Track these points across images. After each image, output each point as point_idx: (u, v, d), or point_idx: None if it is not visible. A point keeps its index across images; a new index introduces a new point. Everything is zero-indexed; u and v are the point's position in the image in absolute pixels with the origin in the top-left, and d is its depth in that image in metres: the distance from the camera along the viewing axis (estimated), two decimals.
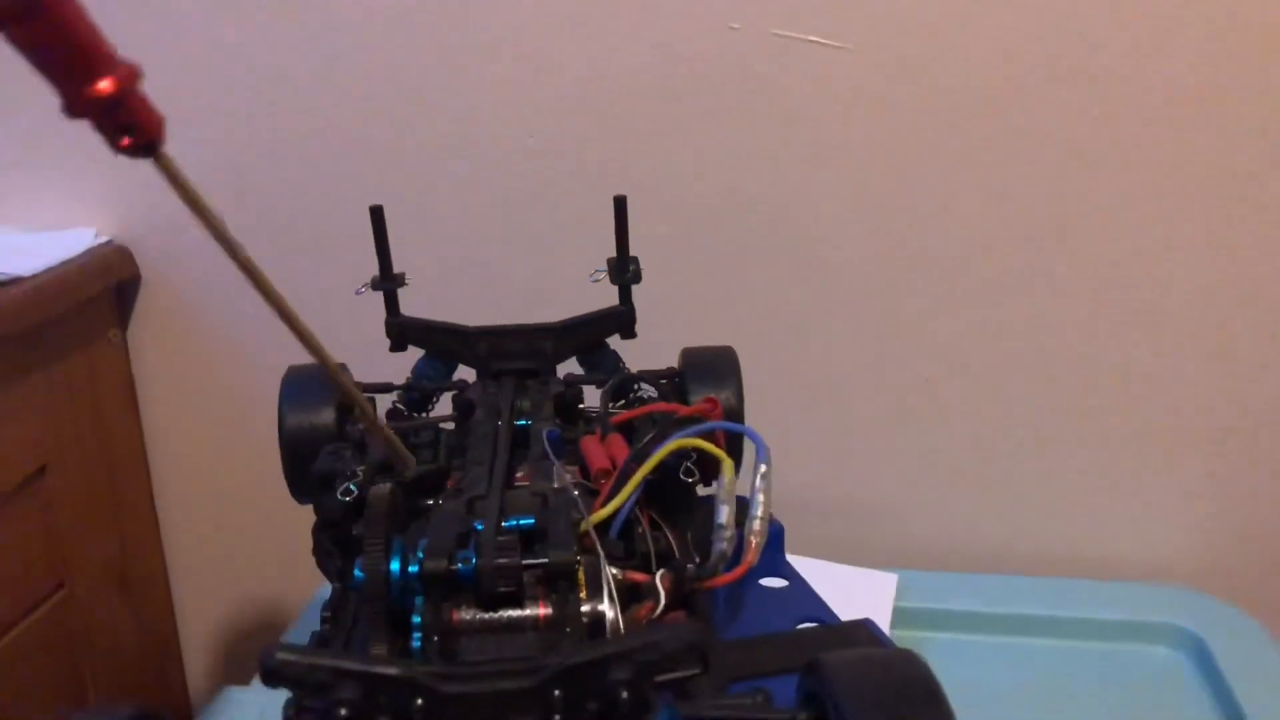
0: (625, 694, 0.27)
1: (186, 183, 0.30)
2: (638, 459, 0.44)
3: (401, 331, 0.59)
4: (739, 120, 0.81)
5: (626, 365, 0.60)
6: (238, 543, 1.01)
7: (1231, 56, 0.75)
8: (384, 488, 0.38)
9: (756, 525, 0.43)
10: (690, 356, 0.58)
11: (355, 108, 0.85)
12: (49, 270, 0.83)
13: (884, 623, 0.79)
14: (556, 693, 0.28)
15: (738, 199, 0.83)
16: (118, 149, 0.28)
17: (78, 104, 0.26)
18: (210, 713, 0.76)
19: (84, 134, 0.95)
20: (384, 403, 0.59)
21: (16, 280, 0.80)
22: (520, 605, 0.37)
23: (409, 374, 0.61)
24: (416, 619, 0.36)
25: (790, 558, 0.71)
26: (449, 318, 0.60)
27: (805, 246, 0.84)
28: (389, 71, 0.84)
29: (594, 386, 0.57)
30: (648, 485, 0.46)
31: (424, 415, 0.59)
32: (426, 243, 0.86)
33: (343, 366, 0.60)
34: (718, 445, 0.46)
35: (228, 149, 0.87)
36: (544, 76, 0.82)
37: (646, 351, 0.60)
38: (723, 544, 0.42)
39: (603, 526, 0.43)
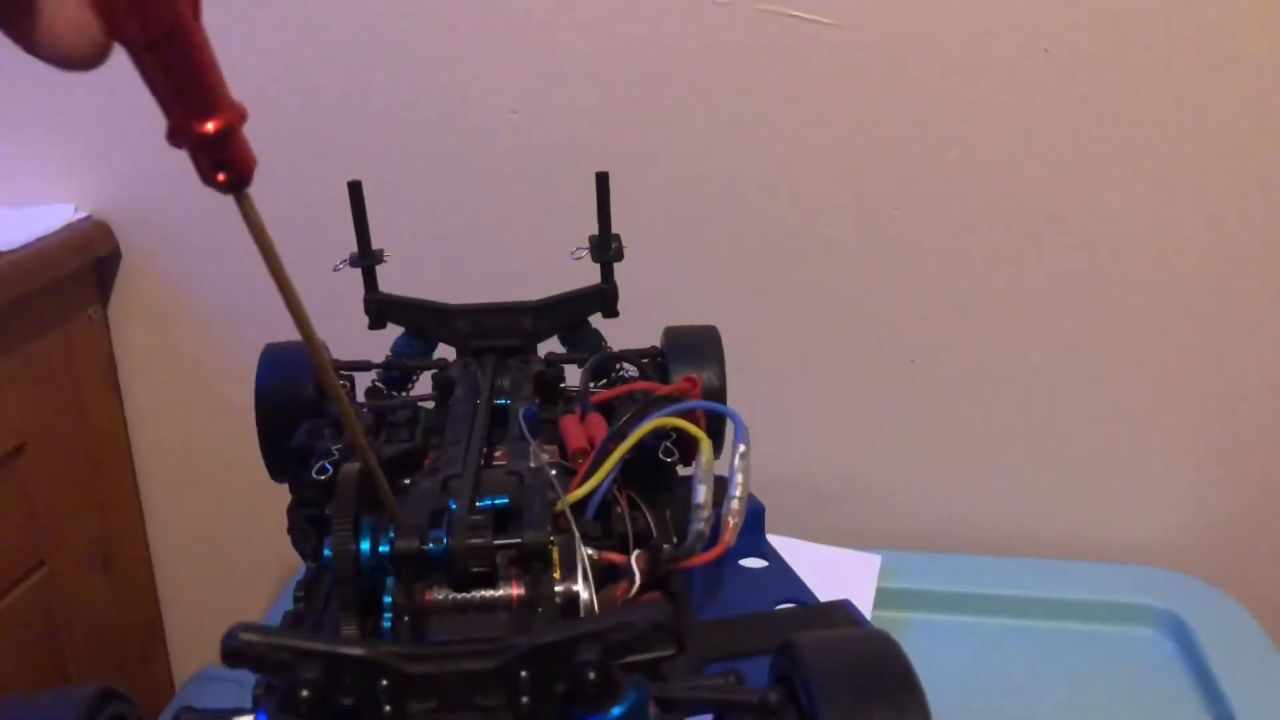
0: (592, 675, 0.27)
1: (261, 224, 0.31)
2: (615, 438, 0.44)
3: (380, 309, 0.59)
4: (725, 97, 0.80)
5: (609, 345, 0.60)
6: (222, 521, 1.00)
7: (1218, 30, 0.75)
8: (354, 466, 0.37)
9: (734, 505, 0.42)
10: (673, 336, 0.58)
11: (335, 81, 0.84)
12: (27, 245, 0.82)
13: (867, 604, 0.78)
14: (523, 673, 0.27)
15: (724, 176, 0.83)
16: (209, 182, 0.29)
17: (184, 135, 0.27)
18: (190, 691, 0.76)
19: (63, 110, 0.94)
20: (363, 381, 0.58)
21: None
22: (493, 585, 0.37)
23: (388, 352, 0.60)
24: (388, 599, 0.35)
25: (773, 539, 0.71)
26: (429, 295, 0.60)
27: (791, 225, 0.83)
28: (370, 45, 0.83)
29: (576, 366, 0.57)
30: (627, 465, 0.46)
31: (403, 394, 0.58)
32: (407, 219, 0.85)
33: (323, 345, 0.59)
34: (697, 425, 0.45)
35: None
36: (528, 51, 0.81)
37: (632, 331, 0.59)
38: (700, 524, 0.42)
39: (579, 507, 0.42)
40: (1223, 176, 0.78)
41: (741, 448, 0.43)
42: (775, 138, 0.81)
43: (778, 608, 0.46)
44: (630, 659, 0.37)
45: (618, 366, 0.57)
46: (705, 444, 0.43)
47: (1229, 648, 0.73)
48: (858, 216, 0.82)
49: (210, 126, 0.27)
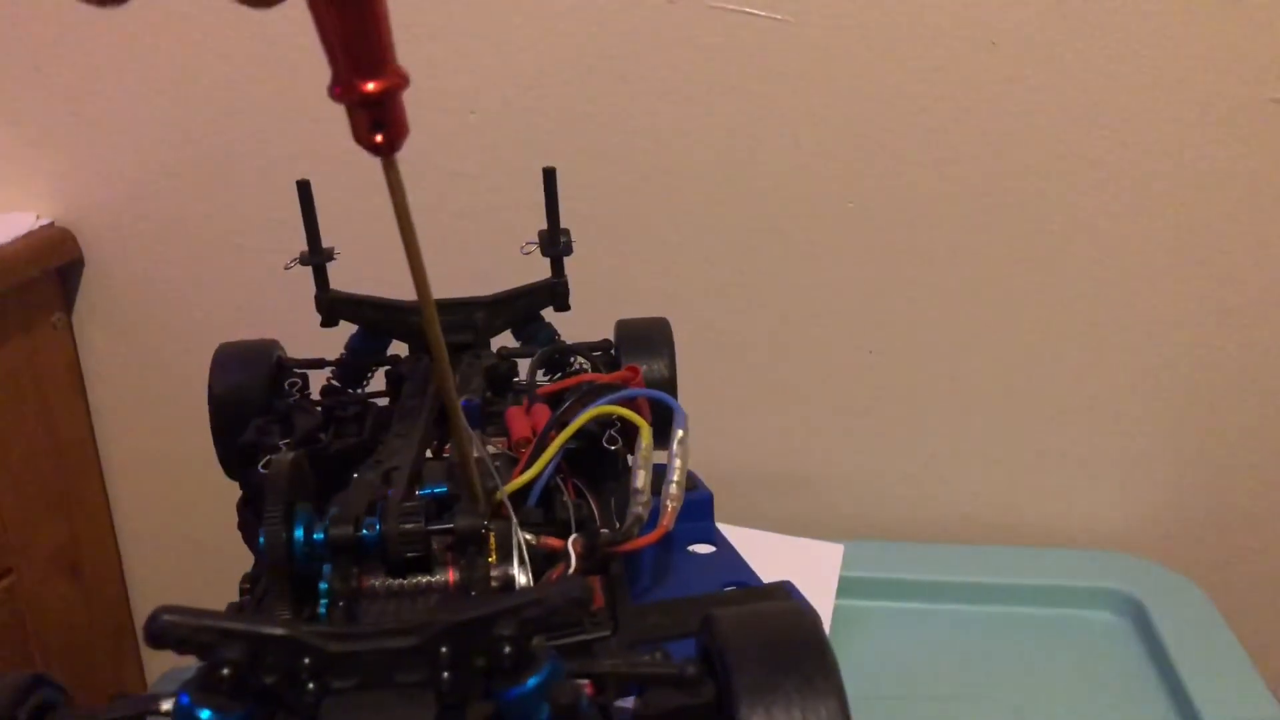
0: (507, 649, 0.27)
1: (403, 190, 0.32)
2: (557, 427, 0.44)
3: (331, 306, 0.59)
4: (678, 94, 0.81)
5: (563, 338, 0.60)
6: (192, 526, 1.00)
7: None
8: (285, 456, 0.38)
9: (672, 490, 0.43)
10: (624, 328, 0.58)
11: (288, 80, 0.85)
12: None
13: (830, 592, 0.79)
14: (443, 650, 0.28)
15: (679, 171, 0.83)
16: (365, 141, 0.29)
17: (349, 91, 0.28)
18: (160, 689, 0.76)
19: (25, 120, 0.94)
20: (317, 379, 0.59)
21: None
22: (429, 571, 0.37)
23: (343, 350, 0.61)
24: (323, 585, 0.36)
25: (736, 529, 0.72)
26: (383, 293, 0.60)
27: (750, 218, 0.84)
28: (310, 34, 0.83)
29: (529, 360, 0.57)
30: (572, 454, 0.47)
31: (358, 390, 0.59)
32: (360, 217, 0.85)
33: (274, 342, 0.60)
34: (640, 413, 0.46)
35: (164, 121, 0.86)
36: (482, 50, 0.82)
37: (593, 324, 0.60)
38: (638, 508, 0.42)
39: (521, 494, 0.43)
40: (1196, 167, 0.79)
41: (679, 433, 0.44)
42: (730, 133, 0.82)
43: (722, 591, 0.46)
44: (566, 640, 0.38)
45: (571, 360, 0.58)
46: (644, 430, 0.44)
47: (1186, 632, 0.74)
48: (814, 209, 0.83)
49: (374, 86, 0.28)
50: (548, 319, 0.61)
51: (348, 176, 0.84)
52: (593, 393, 0.46)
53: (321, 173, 0.59)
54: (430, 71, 0.83)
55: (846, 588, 0.80)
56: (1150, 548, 0.87)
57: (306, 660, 0.28)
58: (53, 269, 0.89)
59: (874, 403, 0.89)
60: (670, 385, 0.56)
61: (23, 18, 0.85)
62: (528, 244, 0.58)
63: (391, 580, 0.37)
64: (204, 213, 0.88)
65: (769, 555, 0.81)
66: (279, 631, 0.28)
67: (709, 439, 0.88)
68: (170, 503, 1.00)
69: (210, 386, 0.56)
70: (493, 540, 0.38)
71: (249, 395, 0.55)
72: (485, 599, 0.35)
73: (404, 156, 0.87)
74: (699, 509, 0.52)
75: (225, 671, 0.27)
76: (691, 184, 0.84)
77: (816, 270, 0.85)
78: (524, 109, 0.83)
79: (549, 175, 0.57)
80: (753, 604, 0.31)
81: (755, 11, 0.78)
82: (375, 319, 0.60)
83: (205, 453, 0.94)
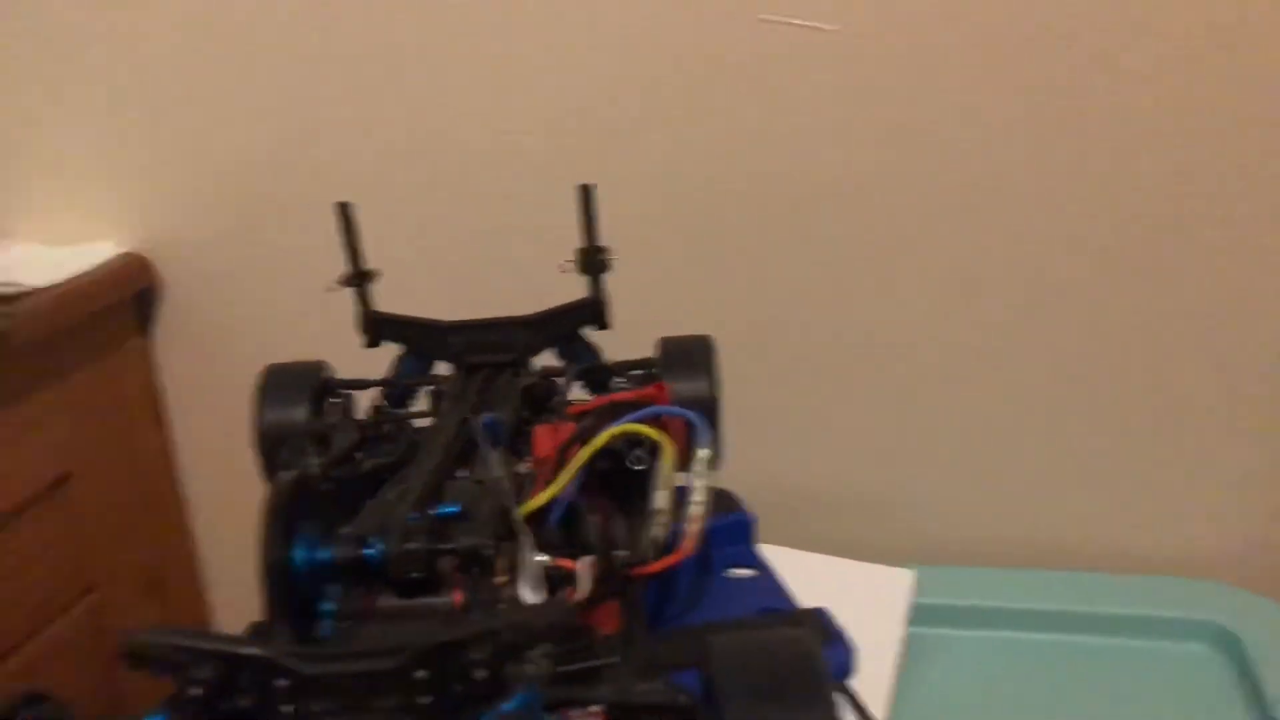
0: (478, 674, 0.26)
1: None
2: (577, 444, 0.43)
3: (374, 326, 0.59)
4: (723, 107, 0.80)
5: (606, 357, 0.59)
6: None
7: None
8: (288, 476, 0.37)
9: (694, 511, 0.41)
10: (666, 346, 0.57)
11: (327, 104, 0.86)
12: (69, 280, 0.85)
13: (899, 619, 0.76)
14: (419, 674, 0.27)
15: (731, 186, 0.82)
16: None
17: None
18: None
19: (102, 152, 0.97)
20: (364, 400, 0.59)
21: (37, 291, 0.82)
22: (436, 592, 0.36)
23: (391, 370, 0.61)
24: (326, 606, 0.35)
25: (797, 554, 0.69)
26: (432, 313, 0.60)
27: (801, 233, 0.82)
28: (362, 67, 0.84)
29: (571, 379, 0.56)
30: (604, 474, 0.45)
31: (401, 410, 0.59)
32: (401, 239, 0.86)
33: (321, 363, 0.60)
34: (667, 432, 0.44)
35: (237, 151, 0.88)
36: (518, 69, 0.82)
37: (638, 343, 0.59)
38: (656, 530, 0.41)
39: (541, 514, 0.42)
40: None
41: (702, 453, 0.42)
42: (774, 143, 0.80)
43: (754, 615, 0.45)
44: (575, 666, 0.36)
45: (612, 379, 0.56)
46: (667, 448, 0.43)
47: None
48: (870, 223, 0.81)
49: None
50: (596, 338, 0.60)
51: (385, 197, 0.86)
52: (614, 411, 0.44)
53: (356, 192, 0.59)
54: (462, 90, 0.83)
55: (921, 615, 0.76)
56: (1246, 575, 0.82)
57: (282, 682, 0.27)
58: (130, 296, 0.92)
59: (948, 421, 0.85)
60: (711, 404, 0.54)
61: (102, 55, 0.88)
62: (565, 261, 0.57)
63: (399, 601, 0.36)
64: (275, 238, 0.90)
65: (835, 581, 0.79)
66: (253, 651, 0.27)
67: (769, 459, 0.86)
68: (250, 521, 1.01)
69: (256, 408, 0.57)
70: (504, 561, 0.37)
71: (292, 416, 0.56)
72: (466, 622, 0.34)
73: (439, 176, 0.88)
74: (738, 532, 0.50)
75: (196, 691, 0.26)
76: (750, 197, 0.82)
77: (879, 283, 0.82)
78: (562, 127, 0.83)
79: (585, 192, 0.56)
80: (754, 632, 0.30)
81: (804, 23, 0.76)
82: (417, 338, 0.59)
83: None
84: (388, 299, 0.60)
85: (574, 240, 0.58)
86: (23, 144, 0.92)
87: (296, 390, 0.57)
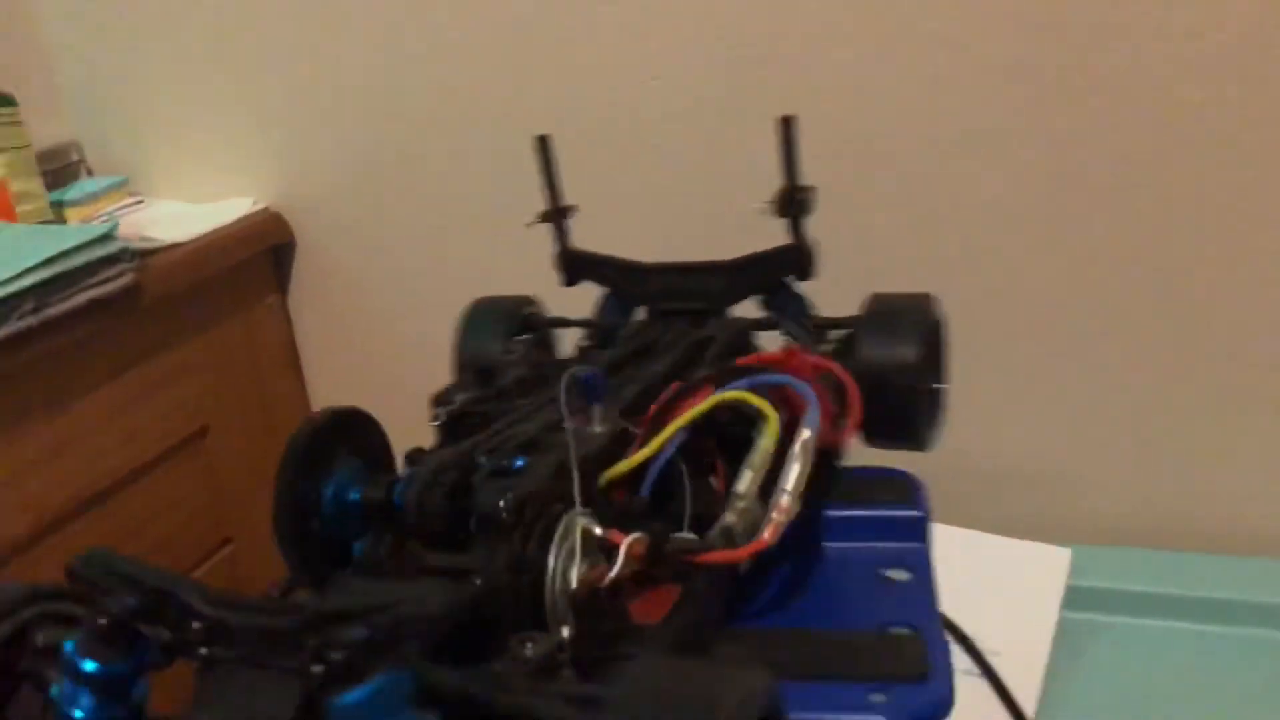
0: (335, 655, 0.24)
1: None
2: (669, 411, 0.39)
3: (572, 264, 0.57)
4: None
5: (815, 309, 0.54)
6: None
7: None
8: (324, 411, 0.36)
9: (784, 501, 0.36)
10: (872, 304, 0.51)
11: (482, 71, 0.84)
12: (204, 236, 0.86)
13: (1053, 602, 0.71)
14: (311, 641, 0.24)
15: (970, 130, 0.77)
16: None
17: None
18: None
19: (240, 111, 0.96)
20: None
21: (172, 246, 0.83)
22: (464, 549, 0.33)
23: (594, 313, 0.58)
24: (357, 549, 0.34)
25: (952, 530, 0.63)
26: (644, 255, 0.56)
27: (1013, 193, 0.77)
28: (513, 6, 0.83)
29: (778, 333, 0.52)
30: (721, 442, 0.41)
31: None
32: (604, 176, 0.83)
33: (526, 299, 0.58)
34: (788, 402, 0.40)
35: (370, 110, 0.88)
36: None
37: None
38: (731, 516, 0.36)
39: (635, 482, 0.38)
40: None
41: (806, 433, 0.37)
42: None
43: (887, 630, 0.40)
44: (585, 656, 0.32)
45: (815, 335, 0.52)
46: (770, 422, 0.38)
47: None
48: (1092, 189, 0.75)
49: None
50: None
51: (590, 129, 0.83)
52: (727, 374, 0.40)
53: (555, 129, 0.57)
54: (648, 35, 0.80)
55: (1073, 598, 0.72)
56: None
57: (196, 624, 0.26)
58: (266, 251, 0.92)
59: (1107, 396, 0.80)
60: (916, 372, 0.48)
61: (241, 15, 0.88)
62: (762, 202, 0.51)
63: (425, 554, 0.34)
64: (406, 196, 0.89)
65: (988, 559, 0.74)
66: (159, 585, 0.26)
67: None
68: None
69: (457, 336, 0.55)
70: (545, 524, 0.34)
71: (489, 349, 0.54)
72: (348, 596, 0.31)
73: (655, 101, 0.80)
74: (905, 529, 0.45)
75: (103, 621, 0.26)
76: (983, 144, 0.77)
77: (1049, 259, 0.77)
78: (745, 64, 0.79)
79: (786, 124, 0.51)
80: (676, 682, 0.25)
81: None
82: (614, 278, 0.57)
83: (418, 424, 0.96)
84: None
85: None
86: (163, 106, 0.94)
87: (496, 323, 0.55)
